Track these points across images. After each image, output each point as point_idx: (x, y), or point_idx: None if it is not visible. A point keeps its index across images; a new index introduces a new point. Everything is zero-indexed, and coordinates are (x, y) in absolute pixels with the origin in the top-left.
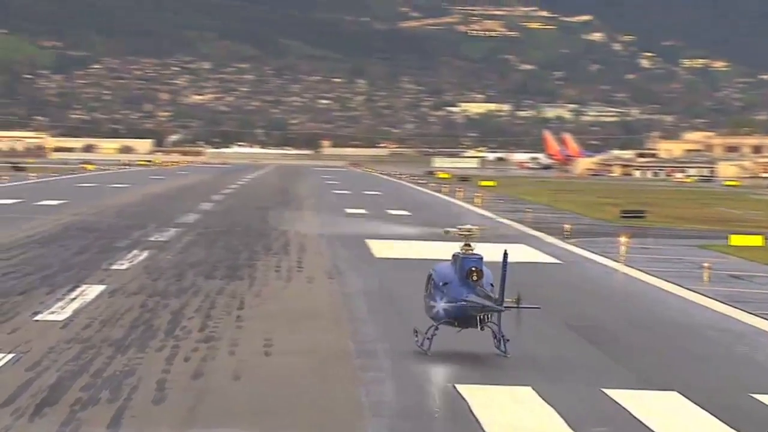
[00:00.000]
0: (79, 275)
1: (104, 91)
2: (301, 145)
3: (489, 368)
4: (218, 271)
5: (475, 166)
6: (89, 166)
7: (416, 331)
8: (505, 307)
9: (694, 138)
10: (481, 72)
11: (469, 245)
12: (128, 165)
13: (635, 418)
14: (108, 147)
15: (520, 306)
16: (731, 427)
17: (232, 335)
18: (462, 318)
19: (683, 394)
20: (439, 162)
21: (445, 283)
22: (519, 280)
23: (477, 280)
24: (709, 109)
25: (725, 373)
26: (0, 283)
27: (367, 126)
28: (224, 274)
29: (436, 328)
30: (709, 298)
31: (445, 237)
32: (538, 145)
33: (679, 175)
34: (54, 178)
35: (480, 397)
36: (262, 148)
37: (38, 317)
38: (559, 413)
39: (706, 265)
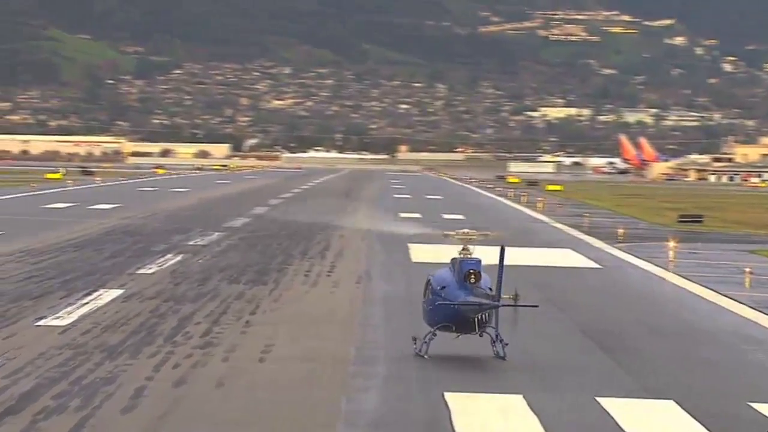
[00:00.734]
0: (101, 280)
1: (185, 96)
2: (378, 149)
3: (484, 375)
4: (245, 276)
5: (550, 170)
6: (159, 171)
7: (415, 339)
8: (501, 303)
9: None
10: (561, 76)
11: (467, 249)
12: (200, 169)
13: (621, 429)
14: (185, 151)
15: (518, 304)
16: None
17: (234, 341)
18: (460, 321)
19: (679, 403)
20: (514, 167)
21: (443, 287)
22: (551, 284)
23: (475, 282)
24: None
25: (730, 380)
26: (18, 287)
27: (446, 131)
28: (250, 278)
29: (434, 334)
30: (742, 303)
31: (486, 241)
32: (617, 150)
33: (754, 179)
34: (118, 182)
35: (465, 406)
36: (339, 152)
37: (41, 322)
38: (542, 423)
39: (747, 270)
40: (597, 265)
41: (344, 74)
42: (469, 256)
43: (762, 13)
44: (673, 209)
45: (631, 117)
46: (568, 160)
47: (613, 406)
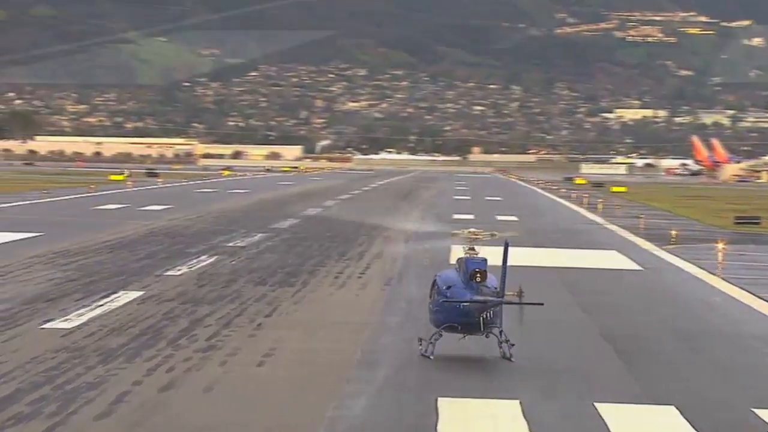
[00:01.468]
0: (125, 282)
1: (260, 98)
2: (450, 151)
3: (484, 379)
4: (274, 278)
5: (623, 172)
6: (225, 172)
7: (420, 340)
8: (505, 300)
9: None
10: (637, 78)
11: (473, 249)
12: (269, 171)
13: None
14: (256, 153)
15: (522, 302)
16: None
17: (238, 345)
18: (465, 321)
19: (679, 409)
20: (586, 168)
21: (449, 287)
22: (583, 285)
23: (481, 281)
24: None
25: (741, 386)
26: (37, 289)
27: (520, 132)
28: (278, 280)
29: (440, 334)
30: None
31: (526, 241)
32: (692, 152)
33: None
34: (179, 184)
35: (455, 412)
36: (411, 154)
37: (47, 325)
38: (530, 430)
39: None
40: (638, 267)
41: (419, 76)
42: (474, 255)
43: None
44: (735, 210)
45: (707, 118)
46: (640, 162)
47: (610, 412)
